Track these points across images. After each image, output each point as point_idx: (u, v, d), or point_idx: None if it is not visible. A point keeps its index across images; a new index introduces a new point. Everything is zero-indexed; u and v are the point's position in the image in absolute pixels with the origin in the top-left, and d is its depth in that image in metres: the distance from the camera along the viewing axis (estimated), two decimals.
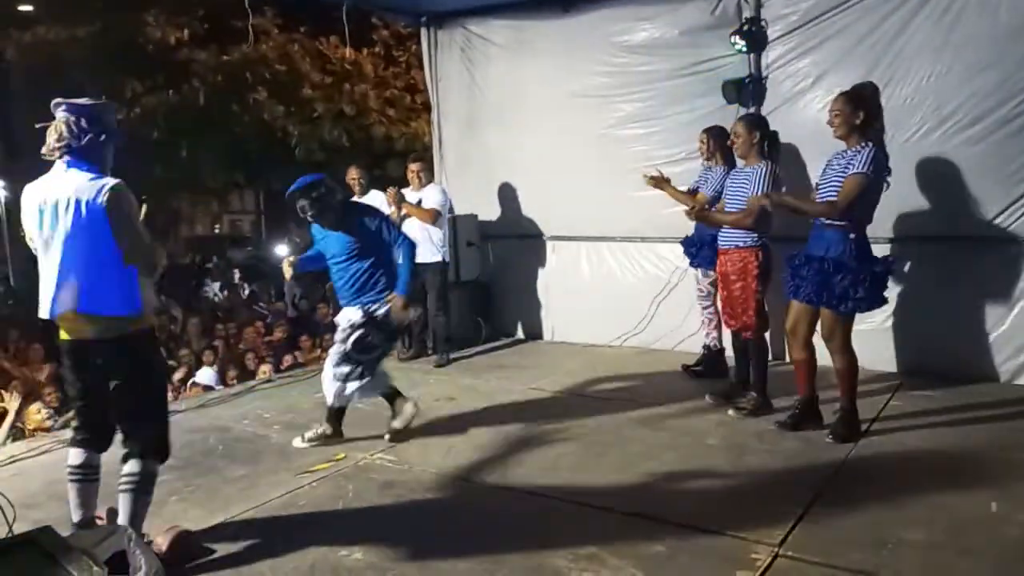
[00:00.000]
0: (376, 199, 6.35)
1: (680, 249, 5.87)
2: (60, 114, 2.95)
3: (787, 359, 4.80)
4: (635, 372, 5.69)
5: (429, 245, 6.11)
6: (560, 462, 3.99)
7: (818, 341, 4.15)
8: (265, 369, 7.42)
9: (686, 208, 4.82)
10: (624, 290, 6.46)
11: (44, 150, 2.96)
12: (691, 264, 5.49)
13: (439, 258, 6.19)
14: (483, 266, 7.06)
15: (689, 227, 5.48)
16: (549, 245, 6.89)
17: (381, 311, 4.30)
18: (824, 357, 4.13)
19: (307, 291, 13.28)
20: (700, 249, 5.27)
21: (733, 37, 5.46)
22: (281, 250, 19.62)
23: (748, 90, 5.54)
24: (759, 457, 3.95)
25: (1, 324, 9.49)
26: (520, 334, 7.15)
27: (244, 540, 3.23)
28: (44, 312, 2.95)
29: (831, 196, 3.90)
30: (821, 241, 3.96)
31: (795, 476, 3.67)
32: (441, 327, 6.31)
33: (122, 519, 3.00)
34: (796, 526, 3.12)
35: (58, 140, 2.92)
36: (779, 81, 5.59)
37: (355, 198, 6.46)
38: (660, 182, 5.28)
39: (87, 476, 3.09)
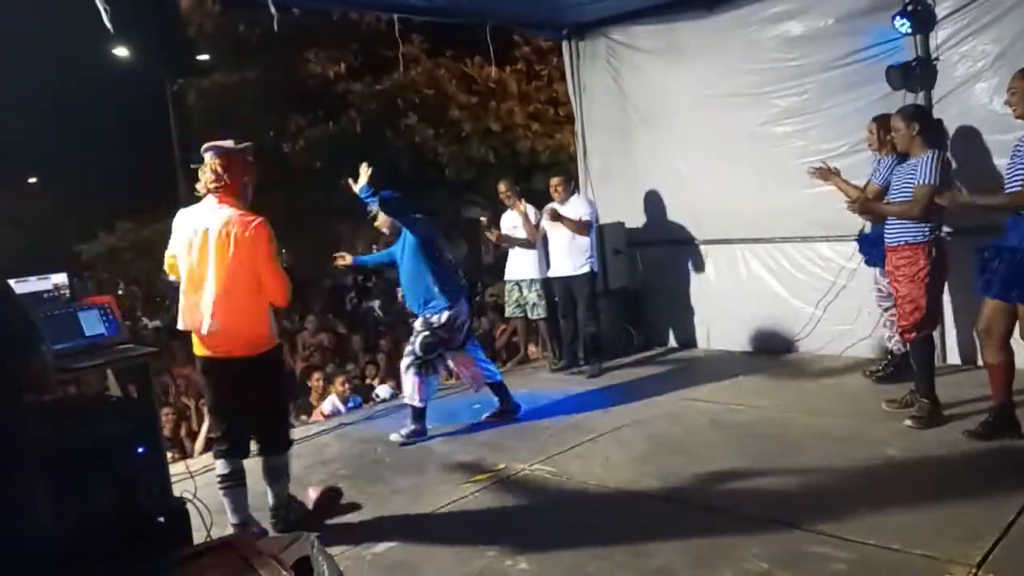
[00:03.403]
0: (529, 211, 6.46)
1: (845, 248, 5.55)
2: (209, 156, 3.32)
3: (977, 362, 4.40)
4: (801, 380, 5.41)
5: (575, 256, 6.13)
6: (723, 473, 3.84)
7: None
8: None
9: (847, 200, 4.51)
10: (784, 293, 6.18)
11: (199, 187, 3.37)
12: (867, 263, 5.13)
13: (587, 268, 6.17)
14: (632, 274, 6.98)
15: (857, 224, 5.15)
16: (702, 249, 6.70)
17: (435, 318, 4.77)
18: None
19: None
20: (876, 247, 4.89)
21: (897, 18, 5.10)
22: None
23: (915, 74, 5.15)
24: (947, 470, 3.63)
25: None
26: (673, 342, 6.99)
27: (414, 547, 3.34)
28: (186, 326, 3.35)
29: (1016, 185, 3.56)
30: (1017, 230, 3.60)
31: (992, 490, 3.32)
32: (592, 337, 6.28)
33: (273, 498, 3.53)
34: (997, 545, 2.83)
35: (215, 179, 3.30)
36: (952, 63, 5.15)
37: (509, 210, 6.64)
38: (826, 173, 4.93)
39: (237, 482, 3.48)
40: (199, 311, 3.28)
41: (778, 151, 5.96)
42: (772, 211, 6.07)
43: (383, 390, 7.30)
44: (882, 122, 4.86)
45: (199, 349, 3.38)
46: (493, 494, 3.88)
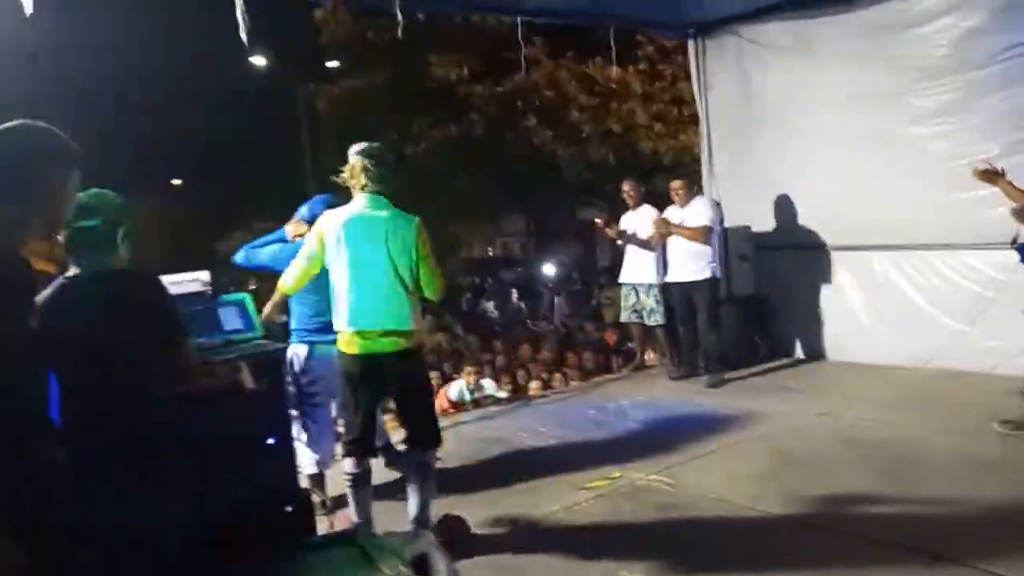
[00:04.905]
0: (649, 214, 6.34)
1: (993, 257, 5.16)
2: (357, 156, 3.34)
3: None
4: (941, 397, 5.05)
5: (696, 261, 5.97)
6: (854, 494, 3.63)
7: None
8: (535, 385, 7.71)
9: (1013, 207, 4.12)
10: (924, 304, 5.80)
11: (352, 184, 3.34)
12: None
13: (708, 274, 5.99)
14: (758, 280, 6.72)
15: (1006, 231, 4.75)
16: (834, 256, 6.37)
17: None
18: None
19: (576, 309, 13.62)
20: None
21: None
22: (549, 270, 20.32)
23: None
24: None
25: None
26: (800, 354, 6.68)
27: (526, 550, 3.34)
28: (358, 321, 3.25)
29: None
30: None
31: None
32: (713, 345, 6.08)
33: (413, 506, 3.35)
34: None
35: (366, 176, 3.31)
36: None
37: (629, 211, 6.54)
38: (992, 176, 4.39)
39: (367, 482, 3.43)
40: (375, 305, 3.24)
41: (921, 154, 5.60)
42: (912, 217, 5.69)
43: (488, 384, 7.49)
44: None
45: (353, 346, 3.28)
46: (608, 502, 3.83)
